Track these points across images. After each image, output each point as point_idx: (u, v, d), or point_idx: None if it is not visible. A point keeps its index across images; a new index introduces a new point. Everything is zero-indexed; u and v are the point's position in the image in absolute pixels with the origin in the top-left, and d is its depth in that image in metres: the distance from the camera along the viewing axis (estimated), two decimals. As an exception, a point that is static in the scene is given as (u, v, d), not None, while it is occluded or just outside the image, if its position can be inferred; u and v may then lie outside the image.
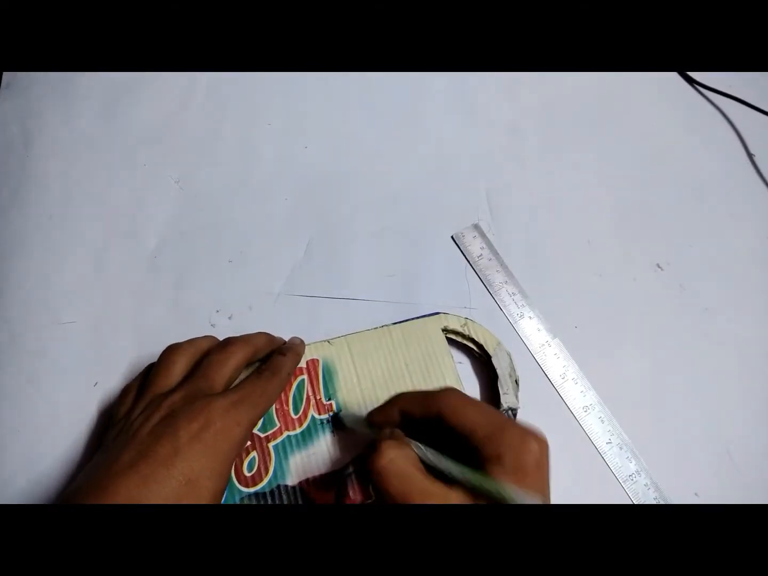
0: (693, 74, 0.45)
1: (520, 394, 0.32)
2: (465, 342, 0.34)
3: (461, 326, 0.33)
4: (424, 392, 0.26)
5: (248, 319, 0.34)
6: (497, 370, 0.32)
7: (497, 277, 0.36)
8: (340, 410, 0.31)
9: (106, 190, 0.38)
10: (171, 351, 0.28)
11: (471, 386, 0.33)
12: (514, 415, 0.31)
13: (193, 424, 0.23)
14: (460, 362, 0.34)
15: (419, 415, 0.25)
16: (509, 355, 0.33)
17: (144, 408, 0.25)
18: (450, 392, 0.25)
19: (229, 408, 0.25)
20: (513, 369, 0.32)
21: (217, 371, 0.27)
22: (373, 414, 0.27)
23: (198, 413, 0.24)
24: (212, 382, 0.26)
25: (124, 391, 0.28)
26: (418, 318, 0.34)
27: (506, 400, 0.31)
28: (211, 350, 0.28)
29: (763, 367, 0.35)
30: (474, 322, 0.34)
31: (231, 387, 0.27)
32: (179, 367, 0.27)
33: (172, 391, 0.26)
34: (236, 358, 0.28)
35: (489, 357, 0.33)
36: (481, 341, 0.33)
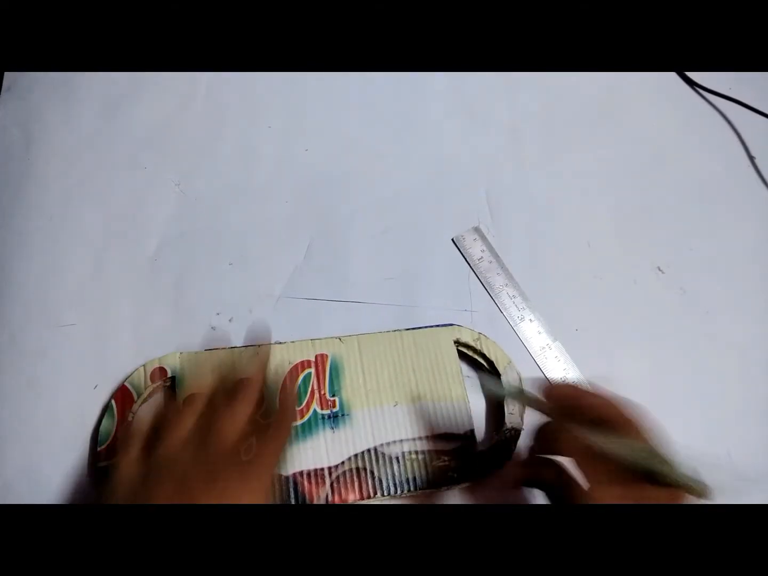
0: (693, 76, 0.45)
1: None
2: (476, 357, 0.33)
3: (474, 340, 0.33)
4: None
5: (248, 322, 0.34)
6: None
7: (498, 280, 0.36)
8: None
9: (106, 192, 0.38)
10: (174, 410, 0.26)
11: (477, 402, 0.33)
12: (517, 436, 0.31)
13: (212, 494, 0.23)
14: (468, 376, 0.34)
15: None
16: (519, 375, 0.32)
17: (151, 468, 0.24)
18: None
19: (244, 476, 0.24)
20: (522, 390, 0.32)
21: (228, 428, 0.25)
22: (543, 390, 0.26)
23: (213, 485, 0.23)
24: (225, 439, 0.24)
25: (127, 438, 0.26)
26: (431, 327, 0.34)
27: (511, 420, 0.31)
28: (217, 402, 0.26)
29: (763, 370, 0.35)
30: (487, 338, 0.33)
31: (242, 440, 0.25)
32: (186, 425, 0.25)
33: (183, 448, 0.24)
34: (244, 413, 0.26)
35: (499, 374, 0.32)
36: (492, 358, 0.33)
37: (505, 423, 0.31)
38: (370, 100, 0.43)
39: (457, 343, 0.33)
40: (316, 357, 0.32)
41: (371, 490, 0.29)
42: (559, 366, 0.34)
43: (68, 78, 0.42)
